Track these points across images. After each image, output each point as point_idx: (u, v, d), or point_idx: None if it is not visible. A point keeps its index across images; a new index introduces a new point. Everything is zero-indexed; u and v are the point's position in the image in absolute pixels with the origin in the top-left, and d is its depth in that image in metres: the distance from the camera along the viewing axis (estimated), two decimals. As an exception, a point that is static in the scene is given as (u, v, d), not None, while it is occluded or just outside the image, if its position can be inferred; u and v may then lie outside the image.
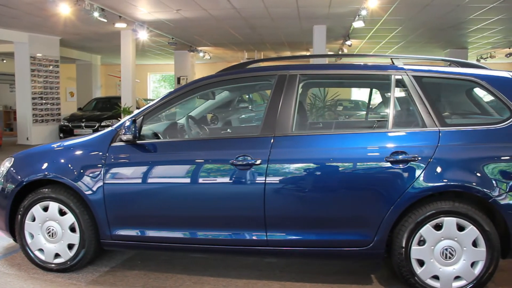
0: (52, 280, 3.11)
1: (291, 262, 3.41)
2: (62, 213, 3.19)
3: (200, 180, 2.92)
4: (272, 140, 2.85)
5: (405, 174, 2.69)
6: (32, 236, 3.24)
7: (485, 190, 2.65)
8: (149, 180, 3.00)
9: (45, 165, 3.22)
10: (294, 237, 2.84)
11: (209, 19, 10.25)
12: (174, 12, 9.46)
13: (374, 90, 3.87)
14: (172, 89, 3.11)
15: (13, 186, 3.24)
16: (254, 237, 2.87)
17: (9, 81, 15.61)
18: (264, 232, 2.85)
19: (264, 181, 2.80)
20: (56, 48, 12.51)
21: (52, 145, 3.42)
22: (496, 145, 2.73)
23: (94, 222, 3.12)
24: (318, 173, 2.79)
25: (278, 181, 2.80)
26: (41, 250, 3.24)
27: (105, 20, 8.82)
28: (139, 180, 3.02)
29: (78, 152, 3.21)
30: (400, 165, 2.70)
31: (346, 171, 2.76)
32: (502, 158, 2.70)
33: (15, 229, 3.28)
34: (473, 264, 2.71)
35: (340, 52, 14.70)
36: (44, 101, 12.12)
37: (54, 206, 3.19)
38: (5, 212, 3.27)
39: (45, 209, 3.21)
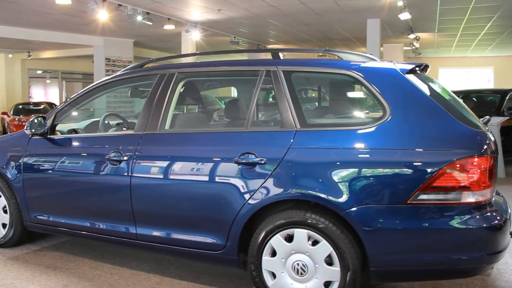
0: (-15, 254, 3.61)
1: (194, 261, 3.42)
2: (-3, 196, 3.67)
3: (84, 173, 3.14)
4: (140, 138, 2.95)
5: (252, 178, 2.53)
6: (-21, 214, 3.80)
7: (335, 200, 2.33)
8: (50, 171, 3.31)
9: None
10: (158, 234, 2.88)
11: (254, 18, 10.40)
12: (216, 12, 9.80)
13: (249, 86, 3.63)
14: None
15: None
16: (126, 230, 2.99)
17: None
18: (134, 226, 2.96)
19: (129, 177, 2.90)
20: (130, 49, 13.72)
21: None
22: (356, 150, 2.40)
23: (18, 205, 3.54)
24: (171, 172, 2.79)
25: (139, 178, 2.87)
26: (-16, 227, 3.78)
27: (151, 23, 9.47)
28: (45, 170, 3.35)
29: (9, 144, 3.65)
30: (248, 168, 2.55)
31: (197, 171, 2.72)
32: (358, 165, 2.36)
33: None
34: (328, 285, 2.42)
35: (412, 47, 13.74)
36: (117, 99, 13.42)
37: (-9, 190, 3.69)
38: None
39: (-14, 192, 3.72)
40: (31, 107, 13.40)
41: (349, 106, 2.94)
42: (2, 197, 3.63)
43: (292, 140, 2.52)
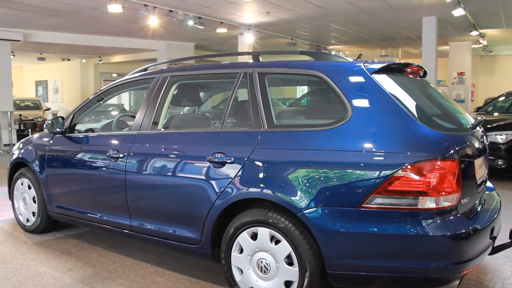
0: (17, 237, 4.05)
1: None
2: (30, 187, 4.12)
3: (89, 168, 3.43)
4: (134, 137, 3.17)
5: (221, 177, 2.63)
6: (17, 202, 4.28)
7: (292, 201, 2.33)
8: (65, 166, 3.67)
9: (22, 150, 4.19)
10: (148, 226, 3.07)
11: (306, 19, 10.40)
12: (266, 15, 9.94)
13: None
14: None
15: (9, 164, 4.32)
16: (123, 222, 3.23)
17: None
18: (129, 219, 3.19)
19: (124, 173, 3.14)
20: (191, 52, 14.32)
21: (33, 135, 4.40)
22: (313, 151, 2.38)
23: (44, 196, 3.95)
24: (156, 169, 2.97)
25: (132, 174, 3.09)
26: (20, 214, 4.25)
27: (202, 27, 9.85)
28: (61, 165, 3.72)
29: (39, 141, 4.08)
30: (218, 166, 2.65)
31: (177, 169, 2.86)
32: (314, 166, 2.34)
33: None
34: (289, 285, 2.45)
35: (478, 45, 12.85)
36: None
37: (25, 182, 4.14)
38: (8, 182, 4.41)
39: (22, 183, 4.19)
40: (100, 107, 14.49)
41: (317, 106, 2.90)
42: (32, 188, 4.06)
43: (258, 140, 2.58)
